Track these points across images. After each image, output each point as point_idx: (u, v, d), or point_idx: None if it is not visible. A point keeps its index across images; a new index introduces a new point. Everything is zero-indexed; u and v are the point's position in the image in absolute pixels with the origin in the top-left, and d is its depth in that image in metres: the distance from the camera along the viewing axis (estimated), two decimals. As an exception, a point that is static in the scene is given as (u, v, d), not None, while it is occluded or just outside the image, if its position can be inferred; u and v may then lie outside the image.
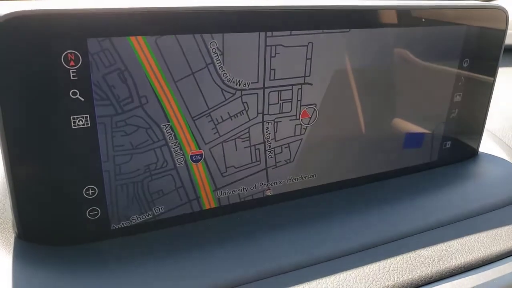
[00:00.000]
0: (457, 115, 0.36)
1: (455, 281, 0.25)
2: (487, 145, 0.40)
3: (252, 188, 0.30)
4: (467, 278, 0.25)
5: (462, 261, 0.26)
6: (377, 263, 0.26)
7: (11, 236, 0.24)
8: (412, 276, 0.25)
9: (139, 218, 0.27)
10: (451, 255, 0.27)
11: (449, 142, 0.37)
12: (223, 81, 0.26)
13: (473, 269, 0.26)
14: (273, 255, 0.26)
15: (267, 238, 0.27)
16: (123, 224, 0.26)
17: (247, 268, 0.25)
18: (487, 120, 0.38)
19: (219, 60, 0.25)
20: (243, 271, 0.24)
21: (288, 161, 0.30)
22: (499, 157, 0.38)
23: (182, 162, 0.27)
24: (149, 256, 0.25)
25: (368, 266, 0.25)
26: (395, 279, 0.25)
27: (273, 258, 0.25)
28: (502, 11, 0.34)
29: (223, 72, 0.26)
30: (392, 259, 0.26)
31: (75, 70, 0.22)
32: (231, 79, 0.26)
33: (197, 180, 0.28)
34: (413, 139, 0.35)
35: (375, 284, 0.24)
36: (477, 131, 0.38)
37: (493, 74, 0.36)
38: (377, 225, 0.29)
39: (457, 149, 0.38)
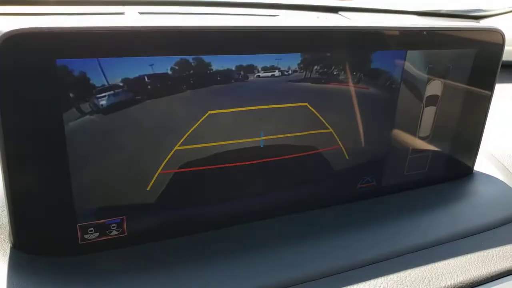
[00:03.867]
0: (453, 133, 0.37)
1: None
2: (482, 164, 0.40)
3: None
4: None
5: (452, 283, 0.27)
6: (366, 283, 0.26)
7: (7, 246, 0.25)
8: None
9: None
10: (441, 276, 0.27)
11: (444, 160, 0.37)
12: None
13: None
14: (264, 272, 0.26)
15: (257, 254, 0.27)
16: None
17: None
18: (483, 138, 0.38)
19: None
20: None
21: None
22: (493, 177, 0.38)
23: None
24: (143, 268, 0.25)
25: (357, 286, 0.26)
26: (385, 299, 0.25)
27: (262, 275, 0.26)
28: (499, 33, 0.35)
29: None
30: (381, 278, 0.26)
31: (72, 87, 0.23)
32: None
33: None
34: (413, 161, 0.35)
35: None
36: (473, 149, 0.38)
37: (490, 93, 0.37)
38: (367, 244, 0.29)
39: (452, 167, 0.38)
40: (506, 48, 0.36)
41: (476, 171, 0.40)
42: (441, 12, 0.87)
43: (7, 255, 0.24)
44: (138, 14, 0.59)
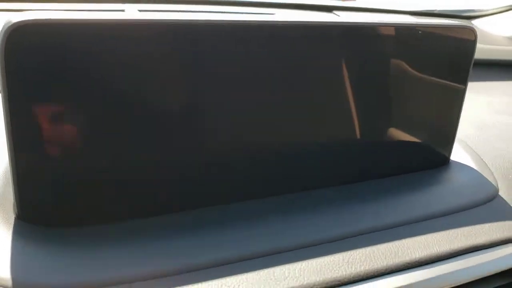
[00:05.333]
0: (430, 123, 0.39)
1: (407, 275, 0.28)
2: (458, 154, 0.42)
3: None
4: (418, 272, 0.28)
5: (416, 257, 0.29)
6: (339, 254, 0.28)
7: (11, 217, 0.27)
8: (369, 267, 0.28)
9: (127, 206, 0.30)
10: (407, 251, 0.30)
11: (421, 149, 0.40)
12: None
13: (425, 264, 0.29)
14: (235, 245, 0.28)
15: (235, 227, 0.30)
16: (112, 210, 0.29)
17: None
18: (460, 130, 0.40)
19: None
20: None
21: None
22: (467, 165, 0.41)
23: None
24: (140, 240, 0.28)
25: (330, 257, 0.28)
26: (353, 270, 0.27)
27: (236, 247, 0.28)
28: (471, 30, 0.37)
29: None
30: (353, 251, 0.29)
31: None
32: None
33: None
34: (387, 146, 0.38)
35: (334, 272, 0.27)
36: (449, 140, 0.41)
37: (464, 87, 0.39)
38: (342, 220, 0.32)
39: (428, 156, 0.40)
40: (493, 47, 0.38)
41: (452, 160, 0.42)
42: (435, 12, 0.89)
43: (12, 225, 0.27)
44: (138, 11, 0.62)
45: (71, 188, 0.27)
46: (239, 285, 0.26)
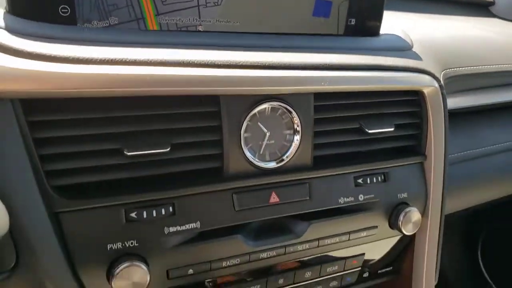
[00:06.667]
0: (364, 4, 0.46)
1: (320, 71, 0.36)
2: (389, 29, 0.50)
3: (187, 20, 0.40)
4: (329, 72, 0.37)
5: (328, 62, 0.37)
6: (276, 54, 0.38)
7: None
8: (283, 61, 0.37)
9: (98, 24, 0.37)
10: (326, 59, 0.38)
11: (353, 20, 0.47)
12: None
13: (336, 69, 0.37)
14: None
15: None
16: (86, 25, 0.36)
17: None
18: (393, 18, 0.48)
19: None
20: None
21: (216, 3, 0.40)
22: (393, 34, 0.48)
23: (131, -17, 0.37)
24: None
25: (269, 53, 0.38)
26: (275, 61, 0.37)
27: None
28: None
29: None
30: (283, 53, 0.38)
31: None
32: None
33: (142, 2, 0.38)
34: (321, 9, 0.45)
35: (263, 60, 0.37)
36: (378, 13, 0.48)
37: None
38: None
39: (361, 26, 0.48)
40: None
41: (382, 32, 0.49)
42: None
43: (1, 18, 0.33)
44: None
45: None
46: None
